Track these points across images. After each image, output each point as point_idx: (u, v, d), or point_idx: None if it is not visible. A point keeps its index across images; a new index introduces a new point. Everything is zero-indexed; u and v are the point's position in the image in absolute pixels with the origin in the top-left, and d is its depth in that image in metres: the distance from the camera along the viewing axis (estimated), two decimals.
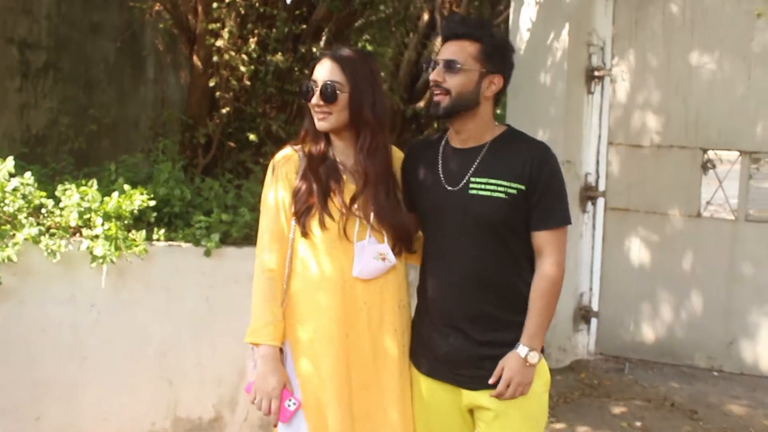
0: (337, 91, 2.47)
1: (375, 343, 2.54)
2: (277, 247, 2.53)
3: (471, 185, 2.45)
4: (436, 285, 2.54)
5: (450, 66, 2.43)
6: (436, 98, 2.47)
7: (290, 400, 2.45)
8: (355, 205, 2.51)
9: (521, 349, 2.42)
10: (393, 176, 2.60)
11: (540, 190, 2.42)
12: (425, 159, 2.58)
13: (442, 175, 2.51)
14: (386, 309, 2.56)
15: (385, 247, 2.52)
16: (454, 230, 2.49)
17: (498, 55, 2.48)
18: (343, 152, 2.57)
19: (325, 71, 2.50)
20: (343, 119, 2.51)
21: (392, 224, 2.53)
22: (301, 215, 2.50)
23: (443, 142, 2.57)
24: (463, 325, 2.49)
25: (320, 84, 2.48)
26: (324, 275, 2.51)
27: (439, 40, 5.78)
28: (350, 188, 2.54)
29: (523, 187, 2.41)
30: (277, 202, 2.54)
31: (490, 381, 2.43)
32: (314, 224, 2.49)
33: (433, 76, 2.47)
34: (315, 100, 2.49)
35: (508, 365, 2.42)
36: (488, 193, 2.43)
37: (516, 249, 2.48)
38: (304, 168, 2.53)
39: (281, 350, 2.52)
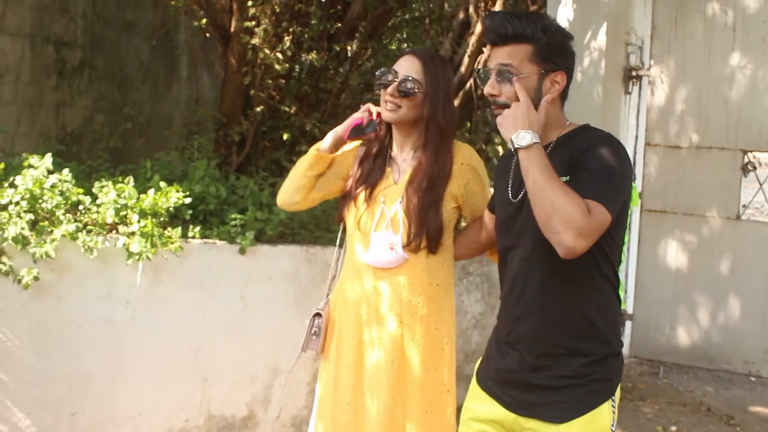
0: (415, 89, 2.60)
1: (380, 329, 2.69)
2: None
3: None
4: (504, 299, 2.38)
5: (503, 75, 2.19)
6: (495, 112, 2.21)
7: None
8: (383, 198, 2.67)
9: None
10: (447, 181, 2.67)
11: (578, 171, 2.12)
12: (503, 169, 2.40)
13: (510, 186, 2.33)
14: (395, 298, 2.67)
15: (396, 239, 2.65)
16: (517, 243, 2.28)
17: (556, 52, 2.22)
18: (400, 146, 2.74)
19: (408, 66, 2.64)
20: (411, 116, 2.65)
21: (420, 220, 2.63)
22: (342, 199, 2.77)
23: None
24: (519, 346, 2.27)
25: (401, 76, 2.61)
26: (349, 258, 2.79)
27: (473, 39, 5.78)
28: (388, 181, 2.70)
29: (567, 178, 2.11)
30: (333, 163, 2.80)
31: None
32: (345, 209, 2.77)
33: (487, 89, 2.23)
34: (391, 90, 2.62)
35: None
36: None
37: (586, 265, 2.15)
38: (359, 156, 2.77)
39: (319, 315, 2.82)
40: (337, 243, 2.91)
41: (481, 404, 2.40)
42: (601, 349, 2.22)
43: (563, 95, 2.28)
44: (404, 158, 2.73)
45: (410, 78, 2.59)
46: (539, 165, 2.08)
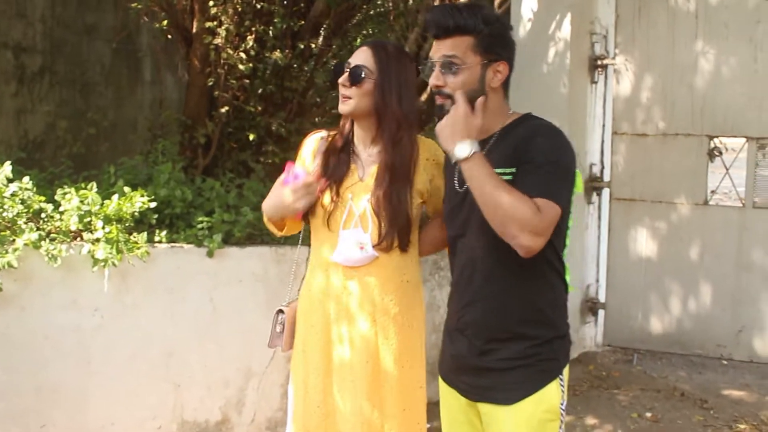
0: (363, 75, 2.58)
1: (351, 329, 2.66)
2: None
3: None
4: (453, 287, 2.46)
5: (447, 66, 2.24)
6: (439, 102, 2.28)
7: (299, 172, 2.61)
8: (350, 194, 2.63)
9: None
10: (411, 174, 2.65)
11: (525, 162, 2.16)
12: (449, 159, 2.42)
13: (456, 176, 2.37)
14: (366, 298, 2.65)
15: (366, 237, 2.61)
16: (464, 232, 2.35)
17: (498, 41, 2.27)
18: (362, 141, 2.69)
19: (358, 56, 2.63)
20: (365, 105, 2.61)
21: (389, 217, 2.60)
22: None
23: None
24: (468, 332, 2.35)
25: (351, 65, 2.60)
26: (316, 256, 2.74)
27: None
28: (354, 178, 2.66)
29: (514, 170, 2.17)
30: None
31: None
32: (310, 209, 2.68)
33: (432, 81, 2.27)
34: (342, 79, 2.60)
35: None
36: None
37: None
38: (320, 154, 2.72)
39: (282, 311, 2.81)
40: (300, 242, 2.88)
41: (446, 398, 2.48)
42: (547, 333, 2.29)
43: (506, 85, 2.33)
44: (368, 153, 2.68)
45: (360, 66, 2.58)
46: (482, 174, 2.12)
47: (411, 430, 2.70)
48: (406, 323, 2.69)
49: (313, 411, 2.70)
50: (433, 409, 2.67)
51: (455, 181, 2.38)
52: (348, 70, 2.59)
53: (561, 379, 2.30)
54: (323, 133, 2.79)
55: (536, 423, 2.27)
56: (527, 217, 2.08)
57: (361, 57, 2.61)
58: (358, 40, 7.10)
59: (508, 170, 2.18)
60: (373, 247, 2.62)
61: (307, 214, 2.71)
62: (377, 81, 2.58)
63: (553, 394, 2.28)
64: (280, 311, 2.82)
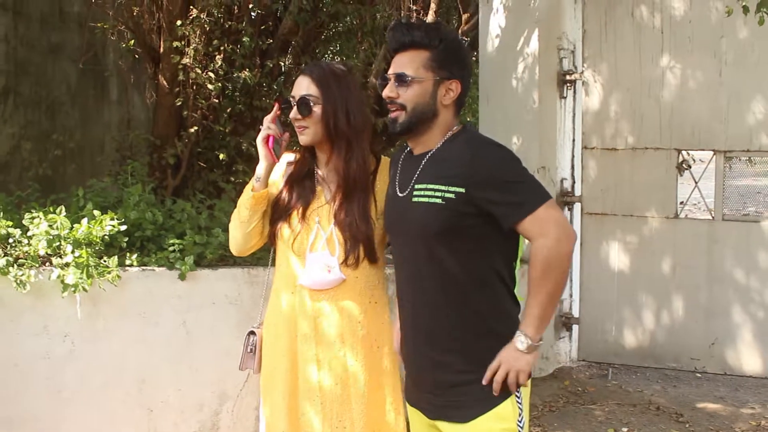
0: (312, 104, 2.62)
1: (320, 351, 2.68)
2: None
3: (414, 192, 2.36)
4: (399, 300, 2.53)
5: (401, 80, 2.36)
6: (392, 115, 2.39)
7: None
8: (317, 217, 2.67)
9: (516, 335, 2.29)
10: (368, 187, 2.70)
11: (487, 189, 2.26)
12: (393, 168, 2.57)
13: (397, 182, 2.48)
14: (333, 320, 2.67)
15: (333, 260, 2.65)
16: (405, 241, 2.43)
17: (451, 60, 2.38)
18: (324, 165, 2.73)
19: (300, 87, 2.67)
20: (320, 132, 2.66)
21: (354, 233, 2.64)
22: (272, 222, 2.73)
23: (407, 149, 2.54)
24: (420, 345, 2.42)
25: (297, 98, 2.64)
26: (282, 280, 2.75)
27: None
28: (320, 201, 2.70)
29: (461, 191, 2.26)
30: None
31: (485, 382, 2.31)
32: (277, 232, 2.71)
33: (385, 92, 2.39)
34: (293, 114, 2.65)
35: (500, 353, 2.30)
36: (426, 199, 2.31)
37: (475, 260, 2.32)
38: (285, 178, 2.75)
39: (253, 333, 2.84)
40: (270, 263, 2.89)
41: (412, 417, 2.55)
42: (497, 347, 2.32)
43: (458, 103, 2.43)
44: (331, 175, 2.73)
45: (304, 96, 2.63)
46: (543, 327, 2.30)
47: None
48: (375, 344, 2.71)
49: None
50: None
51: (396, 185, 2.47)
52: (295, 103, 2.64)
53: (517, 396, 2.35)
54: (289, 157, 2.81)
55: None
56: (554, 257, 2.25)
57: (304, 86, 2.65)
58: (328, 58, 7.13)
59: (452, 189, 2.28)
60: (340, 264, 2.64)
61: (275, 237, 2.74)
62: (324, 105, 2.63)
63: (508, 412, 2.33)
64: (252, 333, 2.84)
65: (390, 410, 2.73)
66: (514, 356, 2.29)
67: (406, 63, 2.37)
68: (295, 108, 2.64)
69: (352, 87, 2.71)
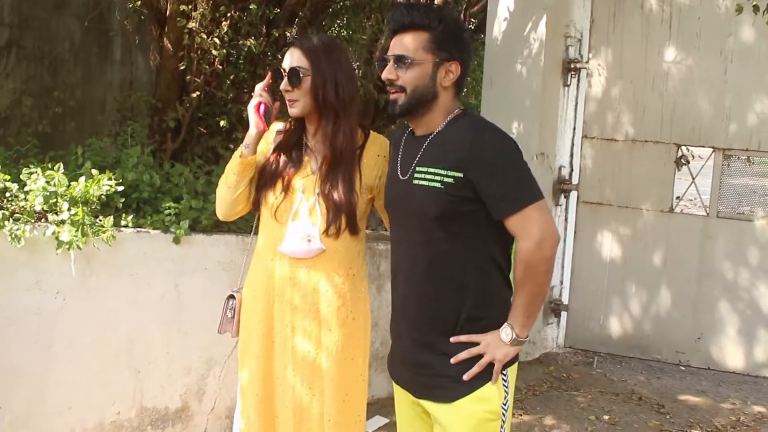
0: (301, 75, 2.65)
1: (295, 318, 2.73)
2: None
3: (416, 174, 2.37)
4: (393, 279, 2.55)
5: (400, 61, 2.35)
6: (391, 96, 2.39)
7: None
8: (301, 186, 2.71)
9: (502, 327, 2.33)
10: (355, 160, 2.73)
11: (484, 175, 2.26)
12: (394, 147, 2.57)
13: (399, 164, 2.48)
14: (310, 289, 2.72)
15: (314, 230, 2.69)
16: (404, 222, 2.45)
17: (451, 41, 2.37)
18: (313, 136, 2.77)
19: (290, 58, 2.70)
20: (309, 104, 2.70)
21: (337, 205, 2.68)
22: (258, 190, 2.77)
23: (408, 129, 2.53)
24: (409, 325, 2.44)
25: (288, 70, 2.67)
26: (263, 246, 2.81)
27: None
28: (306, 171, 2.74)
29: (460, 175, 2.26)
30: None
31: (454, 360, 2.34)
32: (261, 199, 2.77)
33: (384, 74, 2.39)
34: (283, 85, 2.68)
35: (483, 340, 2.33)
36: (426, 183, 2.32)
37: (471, 245, 2.33)
38: (273, 146, 2.80)
39: (233, 297, 2.90)
40: (252, 231, 2.96)
41: (397, 394, 2.58)
42: (486, 330, 2.35)
43: (458, 84, 2.42)
44: (318, 146, 2.77)
45: (293, 67, 2.66)
46: (531, 321, 2.34)
47: (350, 420, 2.78)
48: (350, 315, 2.76)
49: (252, 399, 2.77)
50: (388, 403, 2.72)
51: (398, 167, 2.48)
52: (285, 74, 2.67)
53: (504, 379, 2.37)
54: (280, 126, 2.85)
55: (476, 422, 2.34)
56: (539, 259, 2.27)
57: (294, 58, 2.68)
58: (334, 31, 7.10)
59: (451, 173, 2.28)
60: (321, 234, 2.69)
61: (259, 204, 2.79)
62: (313, 77, 2.66)
63: (493, 393, 2.35)
64: (231, 297, 2.91)
65: (359, 380, 2.79)
66: (497, 344, 2.33)
67: (405, 44, 2.36)
68: (285, 79, 2.67)
69: (342, 59, 2.74)
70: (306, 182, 2.72)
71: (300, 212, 2.71)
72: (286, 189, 2.72)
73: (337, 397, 2.73)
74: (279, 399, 2.77)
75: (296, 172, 2.74)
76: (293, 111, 2.71)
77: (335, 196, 2.68)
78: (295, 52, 2.69)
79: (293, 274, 2.73)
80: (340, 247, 2.72)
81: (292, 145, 2.78)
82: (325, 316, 2.72)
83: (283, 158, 2.76)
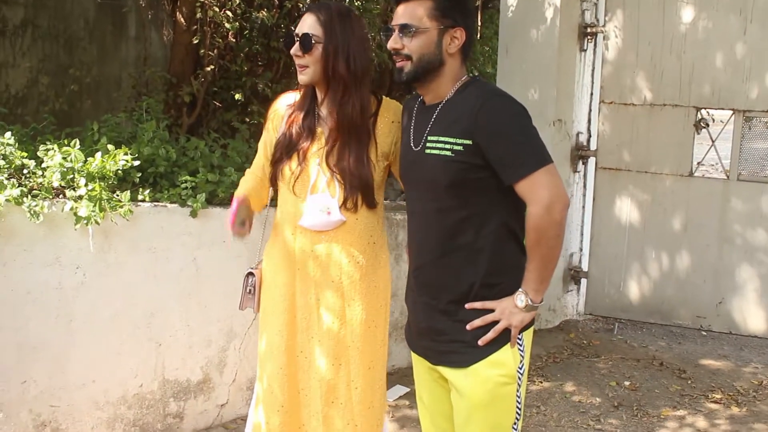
0: (313, 41, 2.61)
1: (318, 291, 2.73)
2: (253, 170, 2.94)
3: (428, 144, 2.38)
4: (411, 248, 2.56)
5: (405, 30, 2.35)
6: (398, 65, 2.40)
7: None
8: (317, 159, 2.69)
9: (516, 293, 2.34)
10: (367, 131, 2.70)
11: (491, 141, 2.26)
12: (407, 117, 2.57)
13: (411, 134, 2.48)
14: (332, 261, 2.71)
15: (333, 202, 2.67)
16: (418, 192, 2.46)
17: (455, 7, 2.38)
18: (325, 106, 2.74)
19: (304, 24, 2.66)
20: (320, 72, 2.66)
21: (352, 177, 2.66)
22: (274, 164, 2.76)
23: (420, 98, 2.53)
24: (427, 291, 2.45)
25: (300, 35, 2.64)
26: (282, 220, 2.80)
27: None
28: (321, 142, 2.72)
29: (469, 142, 2.28)
30: (264, 142, 2.88)
31: (470, 327, 2.36)
32: (278, 173, 2.75)
33: (390, 44, 2.39)
34: (294, 50, 2.65)
35: (498, 306, 2.34)
36: (437, 152, 2.34)
37: (484, 212, 2.34)
38: (286, 119, 2.77)
39: (252, 274, 2.90)
40: (268, 205, 2.96)
41: (415, 361, 2.60)
42: (500, 295, 2.37)
43: (464, 51, 2.43)
44: (328, 118, 2.74)
45: (306, 33, 2.62)
46: (544, 284, 2.37)
47: (375, 386, 2.80)
48: (372, 284, 2.76)
49: (276, 372, 2.76)
50: (408, 372, 2.74)
51: (411, 137, 2.47)
52: (298, 39, 2.63)
53: (519, 343, 2.38)
54: (290, 98, 2.82)
55: (492, 386, 2.35)
56: (548, 224, 2.26)
57: (307, 24, 2.64)
58: (347, 2, 7.04)
59: (460, 140, 2.29)
60: (340, 207, 2.67)
61: (276, 179, 2.77)
62: (325, 45, 2.62)
63: (509, 358, 2.36)
64: (251, 274, 2.90)
65: (382, 346, 2.81)
66: (512, 311, 2.34)
67: (409, 13, 2.36)
68: (297, 44, 2.63)
69: (357, 29, 2.69)
70: (321, 153, 2.70)
71: (318, 185, 2.69)
72: (303, 161, 2.70)
73: (362, 365, 2.75)
74: (304, 371, 2.77)
75: (311, 144, 2.71)
76: (302, 78, 2.68)
77: (346, 170, 2.66)
78: (309, 18, 2.66)
79: (314, 248, 2.72)
80: (360, 217, 2.71)
81: (303, 116, 2.75)
82: (347, 288, 2.72)
83: (296, 130, 2.73)
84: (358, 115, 2.67)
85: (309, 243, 2.72)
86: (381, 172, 2.73)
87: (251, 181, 2.91)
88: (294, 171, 2.70)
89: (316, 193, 2.69)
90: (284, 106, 2.82)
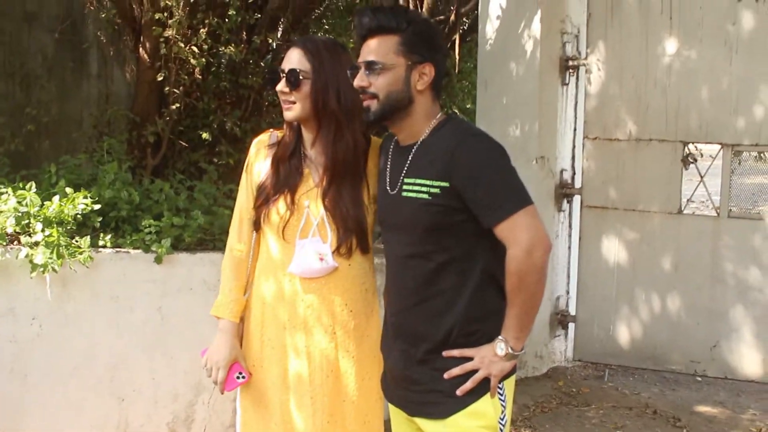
0: (301, 78, 2.59)
1: (310, 343, 2.67)
2: (245, 229, 2.77)
3: (404, 187, 2.38)
4: (387, 293, 2.56)
5: (371, 67, 2.35)
6: (365, 104, 2.39)
7: (240, 373, 2.69)
8: (306, 201, 2.65)
9: (496, 341, 2.32)
10: (360, 171, 2.67)
11: (468, 183, 2.26)
12: (383, 158, 2.57)
13: (388, 177, 2.49)
14: (324, 310, 2.66)
15: (326, 248, 2.63)
16: (396, 236, 2.46)
17: (422, 42, 2.37)
18: (312, 145, 2.70)
19: (291, 59, 2.64)
20: (308, 108, 2.63)
21: (345, 221, 2.63)
22: (258, 207, 2.70)
23: (395, 139, 2.53)
24: (403, 339, 2.44)
25: (286, 71, 2.61)
26: (269, 267, 2.71)
27: None
28: (309, 184, 2.68)
29: (446, 185, 2.28)
30: (247, 186, 2.77)
31: (447, 375, 2.35)
32: (263, 217, 2.68)
33: (356, 82, 2.39)
34: (280, 86, 2.62)
35: (477, 355, 2.33)
36: (415, 195, 2.33)
37: (463, 257, 2.34)
38: (270, 160, 2.72)
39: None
40: (251, 255, 2.81)
41: (392, 411, 2.59)
42: (478, 343, 2.36)
43: (435, 87, 2.43)
44: (318, 156, 2.70)
45: (293, 69, 2.60)
46: (525, 331, 2.34)
47: None
48: (365, 333, 2.72)
49: (270, 429, 2.71)
50: (387, 426, 2.72)
51: (387, 182, 2.48)
52: (284, 75, 2.62)
53: (500, 392, 2.37)
54: (270, 137, 2.79)
55: None
56: (528, 268, 2.26)
57: (294, 59, 2.63)
58: (319, 35, 7.11)
59: (437, 183, 2.29)
60: (333, 253, 2.64)
61: (260, 222, 2.71)
62: (314, 81, 2.60)
63: (489, 408, 2.35)
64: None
65: (377, 399, 2.76)
66: (491, 359, 2.33)
67: (374, 49, 2.36)
68: (283, 80, 2.61)
69: (345, 64, 2.64)
70: (310, 196, 2.66)
71: (308, 229, 2.65)
72: (291, 205, 2.65)
73: (358, 420, 2.71)
74: (297, 430, 2.70)
75: (298, 185, 2.67)
76: (289, 114, 2.64)
77: (342, 213, 2.63)
78: (296, 53, 2.63)
79: (305, 297, 2.66)
80: (353, 262, 2.68)
81: (289, 155, 2.71)
82: (341, 339, 2.68)
83: (282, 171, 2.69)
84: (351, 154, 2.64)
85: (299, 291, 2.67)
86: (372, 215, 2.70)
87: (236, 273, 2.78)
88: (282, 215, 2.65)
89: (306, 237, 2.64)
90: (264, 146, 2.79)
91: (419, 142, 2.40)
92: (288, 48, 2.70)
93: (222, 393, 2.74)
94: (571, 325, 5.93)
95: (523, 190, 2.31)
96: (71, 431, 3.66)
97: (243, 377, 2.69)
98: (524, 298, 2.30)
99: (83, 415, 3.68)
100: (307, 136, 2.71)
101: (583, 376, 5.74)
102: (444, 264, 2.34)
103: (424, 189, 2.31)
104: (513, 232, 2.26)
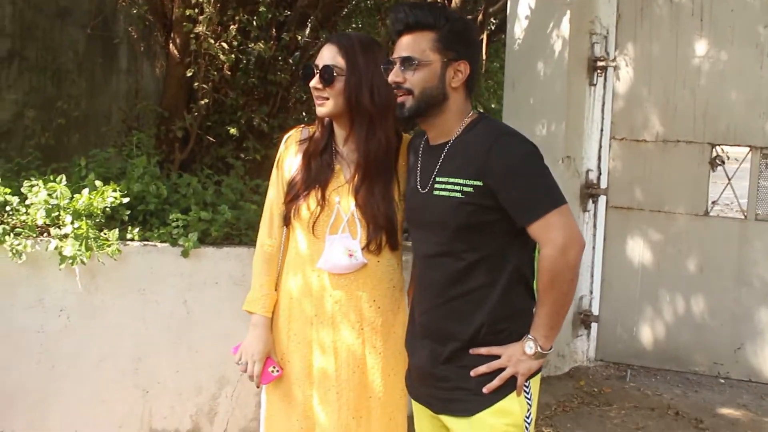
0: (335, 74, 2.59)
1: (337, 339, 2.67)
2: (275, 225, 2.77)
3: (436, 186, 2.38)
4: (415, 292, 2.55)
5: (407, 63, 2.35)
6: (399, 99, 2.39)
7: (274, 366, 2.71)
8: (337, 197, 2.65)
9: (524, 339, 2.33)
10: (391, 168, 2.67)
11: (503, 182, 2.27)
12: (412, 156, 2.57)
13: (418, 176, 2.48)
14: (352, 306, 2.66)
15: (355, 244, 2.63)
16: (424, 235, 2.46)
17: (458, 40, 2.37)
18: (343, 141, 2.70)
19: (325, 55, 2.64)
20: (341, 105, 2.62)
21: (375, 218, 2.63)
22: (289, 203, 2.70)
23: (425, 138, 2.53)
24: (431, 336, 2.44)
25: (321, 67, 2.61)
26: (297, 262, 2.72)
27: None
28: (339, 180, 2.67)
29: (480, 183, 2.28)
30: (278, 181, 2.78)
31: (474, 373, 2.35)
32: (294, 212, 2.68)
33: (391, 77, 2.39)
34: (314, 82, 2.62)
35: (505, 353, 2.33)
36: (447, 194, 2.33)
37: (493, 255, 2.34)
38: (301, 155, 2.72)
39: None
40: (281, 250, 2.83)
41: (415, 408, 2.59)
42: (507, 341, 2.36)
43: (468, 84, 2.43)
44: (350, 153, 2.70)
45: (328, 65, 2.60)
46: (555, 331, 2.33)
47: None
48: (392, 330, 2.72)
49: (292, 424, 2.71)
50: (410, 422, 2.70)
51: (417, 179, 2.48)
52: (318, 71, 2.61)
53: (525, 390, 2.36)
54: (301, 132, 2.79)
55: None
56: (562, 266, 2.26)
57: (329, 55, 2.62)
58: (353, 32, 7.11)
59: (470, 182, 2.30)
60: (362, 250, 2.62)
61: (290, 218, 2.72)
62: (348, 77, 2.59)
63: (515, 406, 2.35)
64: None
65: (402, 396, 2.75)
66: (519, 358, 2.33)
67: (411, 45, 2.36)
68: (317, 76, 2.61)
69: (380, 60, 2.63)
70: (341, 192, 2.66)
71: (338, 225, 2.65)
72: (322, 200, 2.65)
73: (384, 416, 2.70)
74: (321, 426, 2.69)
75: (329, 181, 2.67)
76: (322, 110, 2.64)
77: (373, 210, 2.62)
78: (331, 49, 2.63)
79: (333, 293, 2.66)
80: (381, 259, 2.67)
81: (321, 151, 2.71)
82: (368, 335, 2.68)
83: (313, 166, 2.69)
84: (383, 152, 2.64)
85: (327, 287, 2.67)
86: (402, 212, 2.69)
87: (267, 268, 2.79)
88: (313, 210, 2.65)
89: (336, 233, 2.64)
90: (295, 141, 2.79)
91: (452, 141, 2.40)
92: (322, 44, 2.71)
93: (258, 387, 2.75)
94: (594, 325, 5.89)
95: (557, 189, 2.31)
96: (96, 422, 3.67)
97: (277, 371, 2.71)
98: (556, 296, 2.29)
99: (108, 406, 3.69)
100: (339, 132, 2.70)
101: (605, 376, 5.69)
102: (474, 263, 2.33)
103: (457, 188, 2.31)
104: (547, 231, 2.26)
